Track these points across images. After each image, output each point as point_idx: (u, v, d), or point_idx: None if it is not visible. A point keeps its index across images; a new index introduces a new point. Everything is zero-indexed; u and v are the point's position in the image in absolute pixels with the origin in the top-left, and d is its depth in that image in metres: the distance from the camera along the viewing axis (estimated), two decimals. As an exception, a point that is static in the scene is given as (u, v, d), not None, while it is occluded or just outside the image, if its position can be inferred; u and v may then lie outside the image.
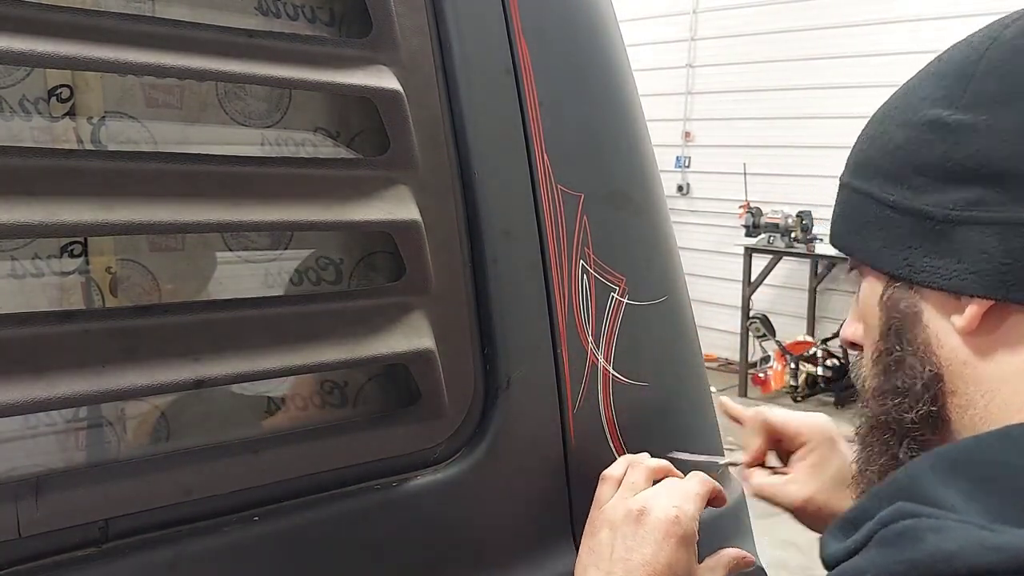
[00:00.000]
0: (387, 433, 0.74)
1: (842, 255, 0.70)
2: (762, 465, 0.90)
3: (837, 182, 0.71)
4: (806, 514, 0.84)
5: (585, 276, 0.86)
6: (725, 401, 0.95)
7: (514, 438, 0.80)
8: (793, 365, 6.77)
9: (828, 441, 0.86)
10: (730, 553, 0.79)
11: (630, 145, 0.93)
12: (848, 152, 0.72)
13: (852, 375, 0.72)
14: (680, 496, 0.76)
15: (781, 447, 0.90)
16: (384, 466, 0.74)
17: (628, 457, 0.82)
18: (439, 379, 0.75)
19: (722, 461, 0.89)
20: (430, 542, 0.76)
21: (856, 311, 0.71)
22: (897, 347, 0.64)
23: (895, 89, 0.72)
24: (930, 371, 0.62)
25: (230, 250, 0.76)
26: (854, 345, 0.71)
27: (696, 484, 0.78)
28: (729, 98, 7.58)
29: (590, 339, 0.85)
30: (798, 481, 0.85)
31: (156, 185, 0.63)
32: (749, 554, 0.80)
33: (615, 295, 0.88)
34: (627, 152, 0.92)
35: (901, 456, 0.64)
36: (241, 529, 0.66)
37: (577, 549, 0.77)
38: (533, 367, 0.81)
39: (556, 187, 0.84)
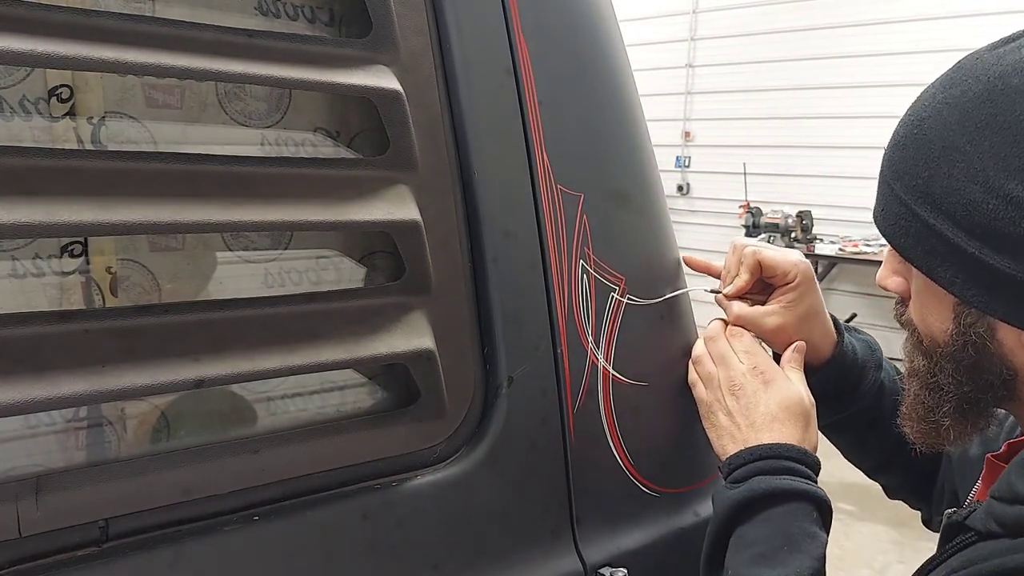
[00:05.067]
0: (387, 433, 0.74)
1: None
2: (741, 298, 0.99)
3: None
4: (776, 341, 0.97)
5: (585, 276, 0.86)
6: (688, 258, 1.02)
7: (514, 438, 0.80)
8: (793, 365, 6.76)
9: (808, 281, 0.97)
10: (788, 354, 0.94)
11: (630, 145, 0.92)
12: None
13: (897, 316, 0.84)
14: (746, 354, 0.92)
15: (771, 282, 0.98)
16: (384, 466, 0.74)
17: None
18: (439, 379, 0.75)
19: (708, 290, 0.99)
20: (430, 542, 0.76)
21: (894, 266, 0.80)
22: (972, 355, 0.72)
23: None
24: (1007, 373, 0.71)
25: (230, 250, 0.76)
26: (887, 290, 0.82)
27: (742, 340, 0.93)
28: (729, 98, 7.58)
29: (590, 339, 0.85)
30: (776, 313, 0.96)
31: (156, 185, 0.63)
32: (799, 341, 0.95)
33: (615, 295, 0.88)
34: (627, 152, 0.92)
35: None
36: (241, 529, 0.66)
37: (578, 549, 0.78)
38: (533, 367, 0.81)
39: (556, 187, 0.84)
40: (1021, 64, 0.65)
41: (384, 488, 0.73)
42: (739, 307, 0.97)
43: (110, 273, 0.71)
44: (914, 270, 0.75)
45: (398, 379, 0.78)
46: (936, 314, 0.74)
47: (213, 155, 0.68)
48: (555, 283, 0.83)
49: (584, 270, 0.86)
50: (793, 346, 0.95)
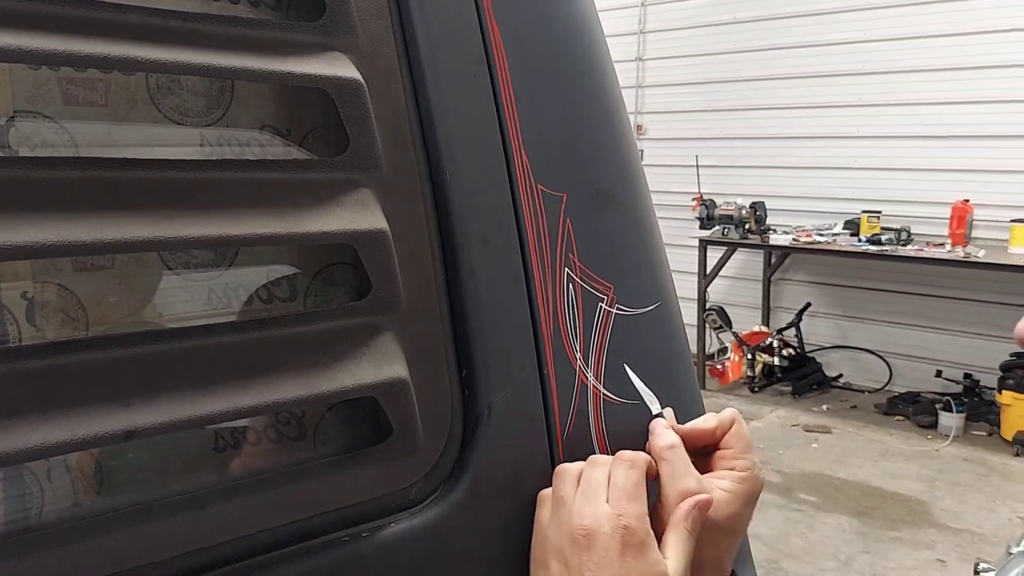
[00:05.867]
0: (354, 475, 0.64)
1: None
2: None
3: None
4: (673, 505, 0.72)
5: (570, 285, 0.77)
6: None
7: (498, 472, 0.71)
8: (750, 356, 6.79)
9: (751, 489, 0.75)
10: (684, 508, 0.70)
11: (613, 140, 0.84)
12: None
13: None
14: (620, 498, 0.67)
15: (716, 454, 0.78)
16: (352, 513, 0.64)
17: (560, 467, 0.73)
18: (413, 410, 0.65)
19: (656, 409, 0.79)
20: (407, 594, 0.66)
21: None
22: None
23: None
24: None
25: (168, 268, 0.66)
26: None
27: (628, 474, 0.69)
28: (679, 91, 7.59)
29: (578, 356, 0.77)
30: (701, 480, 0.73)
31: (76, 197, 0.53)
32: (704, 494, 0.71)
33: (603, 305, 0.79)
34: (611, 147, 0.83)
35: None
36: (187, 597, 0.57)
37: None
38: (517, 390, 0.72)
39: (536, 187, 0.75)
40: None
41: (353, 540, 0.63)
42: (674, 435, 0.76)
43: (26, 299, 0.61)
44: None
45: (365, 412, 0.69)
46: None
47: (144, 159, 0.58)
48: (538, 294, 0.75)
49: (569, 278, 0.77)
50: (694, 500, 0.70)
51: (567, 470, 0.71)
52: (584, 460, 0.73)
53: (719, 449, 0.78)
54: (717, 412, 0.81)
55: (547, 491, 0.72)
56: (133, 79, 0.64)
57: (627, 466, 0.70)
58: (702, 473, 0.75)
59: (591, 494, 0.68)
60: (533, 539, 0.71)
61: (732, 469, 0.76)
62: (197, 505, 0.57)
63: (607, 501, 0.68)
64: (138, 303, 0.65)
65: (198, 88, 0.66)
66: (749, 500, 0.75)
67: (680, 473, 0.73)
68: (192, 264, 0.66)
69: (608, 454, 0.77)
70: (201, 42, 0.59)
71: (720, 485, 0.74)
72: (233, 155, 0.66)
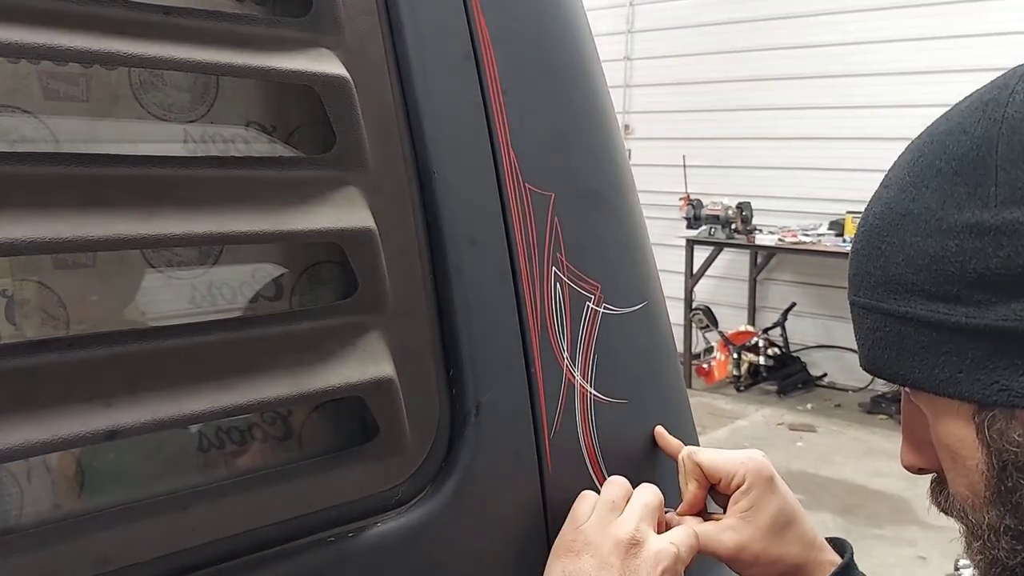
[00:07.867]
0: (340, 475, 0.64)
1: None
2: (698, 513, 0.82)
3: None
4: (741, 563, 0.78)
5: (558, 285, 0.77)
6: (661, 432, 0.85)
7: (485, 472, 0.71)
8: (736, 355, 6.80)
9: (765, 482, 0.79)
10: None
11: (601, 138, 0.84)
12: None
13: (938, 504, 0.66)
14: (681, 536, 0.73)
15: (717, 489, 0.81)
16: (338, 513, 0.63)
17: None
18: (400, 410, 0.65)
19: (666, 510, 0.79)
20: (393, 595, 0.66)
21: (912, 435, 0.66)
22: (1018, 481, 0.56)
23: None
24: None
25: (151, 266, 0.65)
26: (923, 471, 0.67)
27: (692, 532, 0.75)
28: (667, 91, 7.59)
29: (565, 355, 0.76)
30: (733, 527, 0.78)
31: (56, 193, 0.52)
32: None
33: (590, 304, 0.79)
34: (599, 146, 0.83)
35: None
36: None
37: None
38: (504, 390, 0.72)
39: (524, 186, 0.75)
40: (939, 122, 0.61)
41: (339, 540, 0.63)
42: (692, 523, 0.78)
43: (5, 297, 0.60)
44: (930, 424, 0.61)
45: (352, 412, 0.68)
46: (962, 448, 0.58)
47: (126, 155, 0.57)
48: (526, 294, 0.74)
49: (557, 278, 0.77)
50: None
51: (620, 481, 0.75)
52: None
53: (712, 484, 0.81)
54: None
55: (590, 492, 0.75)
56: (115, 74, 0.63)
57: (698, 521, 0.78)
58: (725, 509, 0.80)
59: (643, 513, 0.72)
60: (564, 528, 0.73)
61: (732, 483, 0.79)
62: (181, 505, 0.57)
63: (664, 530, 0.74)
64: (120, 301, 0.65)
65: (182, 84, 0.65)
66: (769, 485, 0.79)
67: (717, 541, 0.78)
68: (176, 262, 0.65)
69: (596, 454, 0.77)
70: (185, 37, 0.58)
71: (741, 507, 0.78)
72: (218, 152, 0.66)
